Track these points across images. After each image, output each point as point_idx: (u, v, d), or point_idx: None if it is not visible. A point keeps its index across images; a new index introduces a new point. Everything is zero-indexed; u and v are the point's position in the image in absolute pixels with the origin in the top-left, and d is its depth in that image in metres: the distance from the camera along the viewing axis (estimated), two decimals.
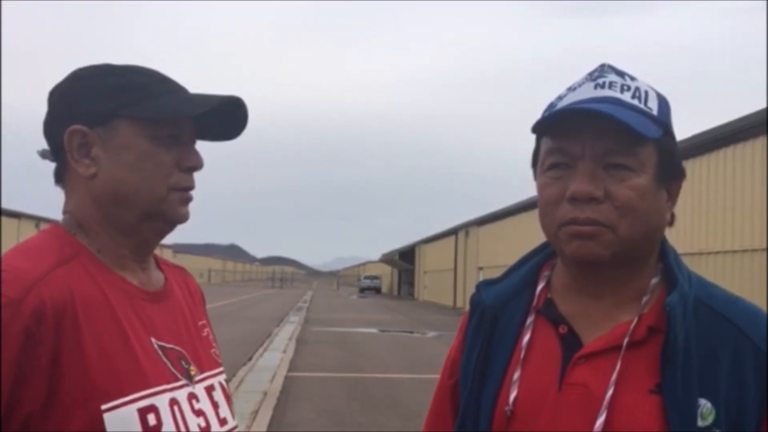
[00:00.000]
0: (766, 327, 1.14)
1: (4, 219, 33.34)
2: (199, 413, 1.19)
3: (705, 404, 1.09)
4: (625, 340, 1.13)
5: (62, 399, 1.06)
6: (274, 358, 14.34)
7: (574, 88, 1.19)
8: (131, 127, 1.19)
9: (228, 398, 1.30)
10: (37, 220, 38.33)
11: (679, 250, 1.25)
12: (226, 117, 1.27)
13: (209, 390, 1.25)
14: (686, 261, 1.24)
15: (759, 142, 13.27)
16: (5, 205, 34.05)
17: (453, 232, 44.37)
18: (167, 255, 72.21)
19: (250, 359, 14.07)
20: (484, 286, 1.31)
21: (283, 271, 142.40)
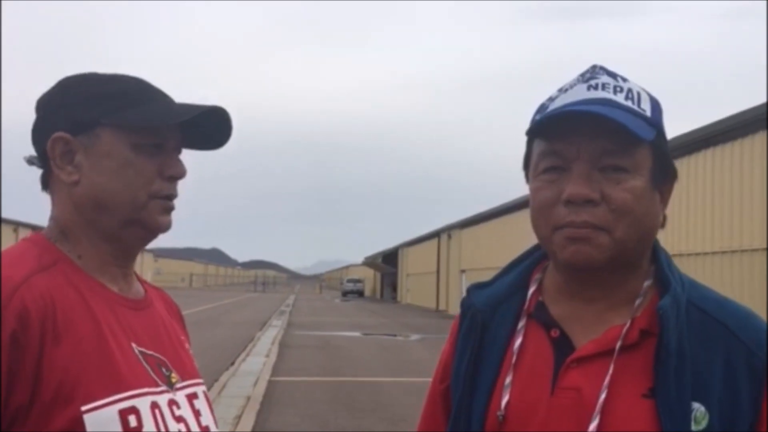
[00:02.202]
0: (757, 329, 1.14)
1: None
2: (179, 419, 1.19)
3: (698, 408, 1.08)
4: (618, 344, 1.12)
5: (43, 400, 1.07)
6: (257, 363, 14.28)
7: (566, 90, 1.18)
8: (113, 135, 1.21)
9: (211, 407, 1.30)
10: (16, 224, 37.93)
11: (672, 251, 1.25)
12: (211, 126, 1.29)
13: (191, 398, 1.25)
14: (679, 262, 1.23)
15: (758, 139, 13.04)
16: None
17: (435, 234, 44.45)
18: (148, 259, 71.81)
19: (232, 364, 14.00)
20: (474, 289, 1.30)
21: (266, 275, 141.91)
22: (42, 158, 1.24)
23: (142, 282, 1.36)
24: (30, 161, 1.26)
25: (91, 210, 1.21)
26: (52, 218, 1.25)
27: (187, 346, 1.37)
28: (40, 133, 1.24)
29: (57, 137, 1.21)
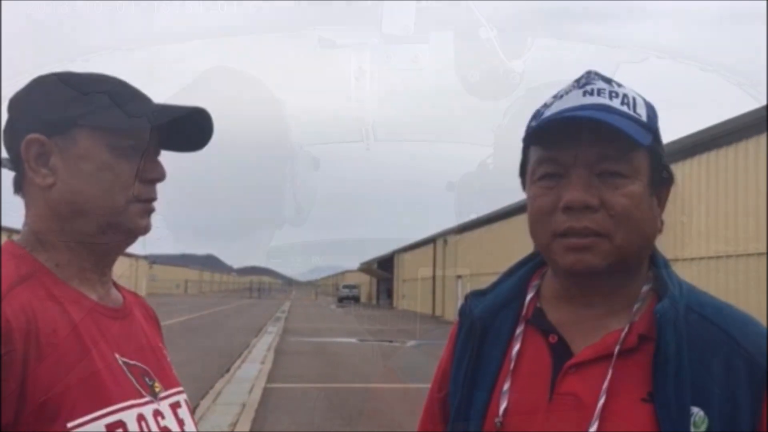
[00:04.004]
0: (756, 334, 1.14)
1: None
2: (164, 430, 1.18)
3: (698, 412, 1.08)
4: (616, 349, 1.12)
5: (28, 418, 1.04)
6: (252, 369, 14.23)
7: (561, 96, 1.17)
8: (91, 137, 1.17)
9: (192, 416, 1.29)
10: (11, 231, 37.83)
11: (670, 256, 1.25)
12: (191, 128, 1.25)
13: (174, 407, 1.23)
14: (677, 267, 1.23)
15: (757, 142, 13.02)
16: None
17: (431, 240, 44.44)
18: (143, 266, 71.54)
19: (228, 371, 13.94)
20: (473, 296, 1.30)
21: (261, 281, 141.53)
22: (15, 160, 1.19)
23: (119, 288, 1.32)
24: (2, 164, 1.21)
25: (68, 215, 1.17)
26: (26, 225, 1.20)
27: (165, 352, 1.35)
28: (12, 135, 1.19)
29: (31, 139, 1.16)
